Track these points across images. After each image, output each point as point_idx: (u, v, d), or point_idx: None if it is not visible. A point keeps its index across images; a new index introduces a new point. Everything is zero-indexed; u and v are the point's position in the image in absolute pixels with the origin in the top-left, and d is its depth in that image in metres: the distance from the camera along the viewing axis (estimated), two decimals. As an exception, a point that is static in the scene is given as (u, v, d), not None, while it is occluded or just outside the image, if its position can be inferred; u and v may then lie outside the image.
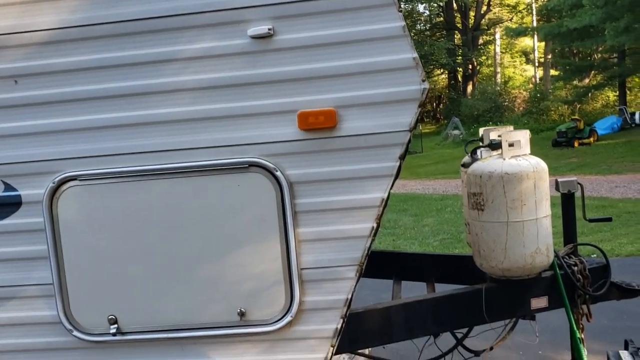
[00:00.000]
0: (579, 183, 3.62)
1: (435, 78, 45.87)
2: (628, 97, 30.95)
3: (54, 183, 2.62)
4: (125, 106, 2.53)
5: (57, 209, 2.63)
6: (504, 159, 3.29)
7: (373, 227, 2.40)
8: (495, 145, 3.45)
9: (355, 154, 2.35)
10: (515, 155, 3.31)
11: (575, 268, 3.48)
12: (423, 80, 2.24)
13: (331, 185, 2.38)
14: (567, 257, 3.57)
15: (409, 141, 2.32)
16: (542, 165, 3.33)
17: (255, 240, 2.49)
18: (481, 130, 3.90)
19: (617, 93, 31.08)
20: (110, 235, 2.63)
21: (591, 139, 23.28)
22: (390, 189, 2.38)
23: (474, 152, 3.69)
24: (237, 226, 2.50)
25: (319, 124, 2.32)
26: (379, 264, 4.38)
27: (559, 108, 31.93)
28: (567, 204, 3.64)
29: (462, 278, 4.02)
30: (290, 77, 2.37)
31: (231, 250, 2.52)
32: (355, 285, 2.48)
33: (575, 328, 3.48)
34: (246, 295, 2.57)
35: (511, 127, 3.88)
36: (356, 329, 3.07)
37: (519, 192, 3.22)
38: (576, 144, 22.66)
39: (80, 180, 2.62)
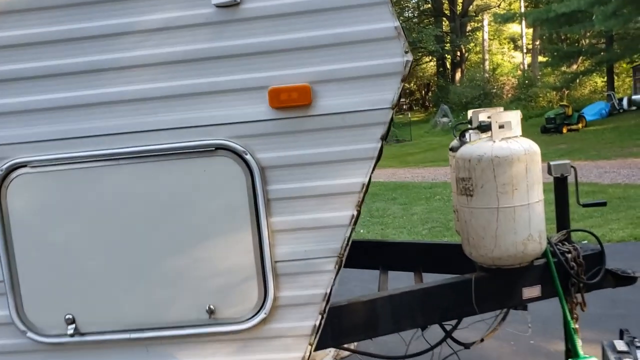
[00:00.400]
0: (572, 166, 3.43)
1: (424, 65, 45.80)
2: (616, 83, 31.07)
3: (1, 170, 2.38)
4: (78, 85, 2.28)
5: (6, 200, 2.38)
6: (494, 142, 3.09)
7: (353, 215, 2.17)
8: (484, 128, 3.25)
9: (333, 135, 2.12)
10: (505, 137, 3.11)
11: (569, 255, 3.30)
12: (406, 52, 2.01)
13: (307, 169, 2.15)
14: (560, 244, 3.39)
15: (392, 120, 2.10)
16: (534, 147, 3.14)
17: (224, 230, 2.26)
18: (470, 112, 3.70)
19: (605, 79, 31.18)
20: (65, 228, 2.39)
21: (580, 125, 23.33)
22: (372, 172, 2.15)
23: (462, 134, 3.49)
24: (204, 216, 2.27)
25: (292, 102, 2.08)
26: (365, 254, 4.20)
27: (548, 94, 32.00)
28: (559, 188, 3.45)
29: (451, 267, 3.85)
30: (259, 50, 2.13)
31: (198, 243, 2.30)
32: (335, 279, 2.25)
33: (569, 318, 3.30)
34: (215, 292, 2.35)
35: (501, 108, 3.68)
36: (340, 323, 2.87)
37: (510, 176, 3.03)
38: (565, 130, 22.66)
39: (31, 167, 2.37)
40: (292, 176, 2.17)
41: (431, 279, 4.12)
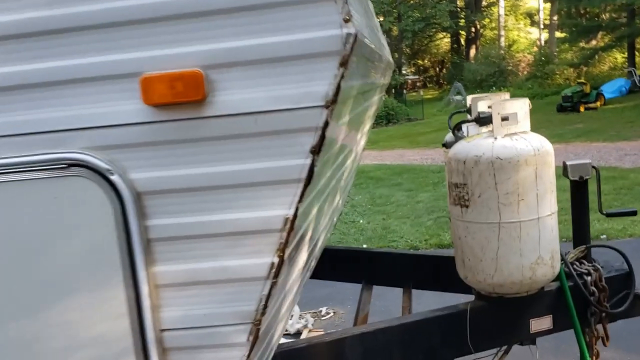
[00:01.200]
0: (593, 167, 2.78)
1: (438, 42, 44.86)
2: (637, 59, 29.89)
3: None
4: None
5: None
6: (496, 138, 2.45)
7: (273, 264, 1.43)
8: (484, 120, 2.60)
9: (240, 146, 1.39)
10: (510, 133, 2.47)
11: (589, 278, 2.68)
12: (346, 21, 1.27)
13: (203, 196, 1.43)
14: (577, 263, 2.76)
15: (326, 124, 1.33)
16: (546, 146, 2.49)
17: (84, 285, 1.52)
18: (469, 99, 3.04)
19: (626, 55, 30.11)
20: None
21: (598, 103, 22.51)
22: (300, 201, 1.40)
23: (458, 127, 2.84)
24: (54, 264, 1.52)
25: (176, 97, 1.35)
26: (345, 265, 3.59)
27: (565, 71, 31.22)
28: (578, 194, 2.81)
29: (446, 283, 3.24)
30: (124, 19, 1.38)
31: (45, 303, 1.54)
32: (250, 354, 1.55)
33: (587, 356, 2.69)
34: None
35: (507, 95, 3.02)
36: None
37: (515, 183, 2.39)
38: (582, 109, 21.81)
39: None
40: (181, 206, 1.44)
41: (423, 297, 3.54)
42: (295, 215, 1.37)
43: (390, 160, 14.75)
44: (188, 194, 1.41)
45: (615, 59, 33.37)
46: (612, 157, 12.38)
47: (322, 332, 4.91)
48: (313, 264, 2.38)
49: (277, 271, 1.40)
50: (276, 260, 1.40)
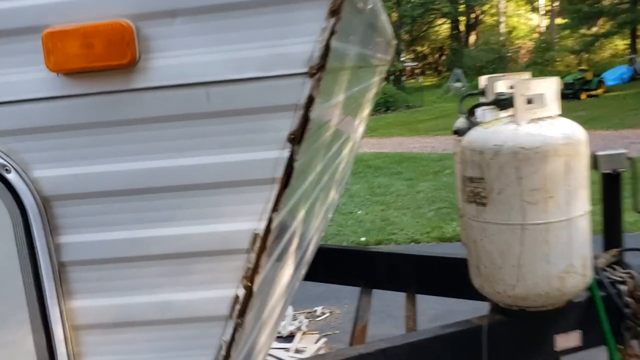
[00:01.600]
0: (629, 157, 2.40)
1: (437, 28, 44.29)
2: (639, 46, 29.49)
3: None
4: None
5: None
6: (519, 125, 2.06)
7: (237, 298, 1.00)
8: (504, 103, 2.20)
9: (186, 131, 0.96)
10: (536, 118, 2.08)
11: (624, 287, 2.30)
12: None
13: (136, 202, 1.01)
14: (610, 269, 2.38)
15: (311, 101, 0.90)
16: (578, 133, 2.11)
17: None
18: (483, 79, 2.65)
19: (627, 41, 29.78)
20: None
21: (599, 91, 22.29)
22: (275, 210, 0.97)
23: (472, 112, 2.45)
24: None
25: (94, 60, 0.93)
26: (342, 266, 3.23)
27: (565, 58, 31.02)
28: (610, 190, 2.44)
29: (453, 287, 2.89)
30: None
31: None
32: None
33: (621, 377, 2.32)
34: None
35: (527, 74, 2.63)
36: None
37: (542, 178, 2.01)
38: (583, 96, 21.55)
39: None
40: (106, 217, 1.01)
41: (427, 302, 3.18)
42: (268, 230, 0.97)
43: (389, 148, 14.33)
44: (114, 199, 1.00)
45: (617, 45, 33.04)
46: (617, 146, 12.00)
47: (317, 335, 4.54)
48: (302, 273, 2.00)
49: (242, 308, 0.99)
50: (241, 292, 0.99)
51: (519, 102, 2.08)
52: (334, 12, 0.86)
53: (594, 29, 31.23)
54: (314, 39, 0.87)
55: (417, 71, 40.83)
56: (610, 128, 14.92)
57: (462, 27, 41.47)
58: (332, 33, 0.87)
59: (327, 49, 0.87)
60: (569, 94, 21.79)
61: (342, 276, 3.27)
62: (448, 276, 2.92)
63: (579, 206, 2.08)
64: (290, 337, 4.45)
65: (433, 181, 9.87)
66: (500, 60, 32.08)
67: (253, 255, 0.95)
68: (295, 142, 0.91)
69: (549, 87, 2.11)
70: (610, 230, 2.45)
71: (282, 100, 0.91)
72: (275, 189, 0.94)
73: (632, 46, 28.47)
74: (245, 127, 0.93)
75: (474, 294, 2.40)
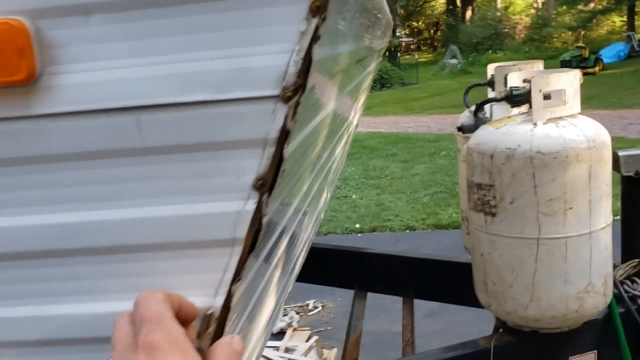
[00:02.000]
0: (653, 158, 2.16)
1: (433, 3, 43.72)
2: (636, 22, 29.17)
3: None
4: None
5: None
6: (535, 125, 1.81)
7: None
8: (518, 99, 1.94)
9: (108, 173, 0.64)
10: (554, 117, 1.83)
11: (645, 303, 2.08)
12: None
13: (32, 270, 0.68)
14: (629, 282, 2.16)
15: (286, 135, 0.60)
16: (602, 135, 1.86)
17: None
18: (491, 68, 2.39)
19: (625, 18, 29.44)
20: None
21: (596, 68, 22.09)
22: (237, 279, 0.66)
23: (480, 108, 2.19)
24: None
25: None
26: (334, 267, 2.99)
27: (562, 35, 30.67)
28: (631, 195, 2.20)
29: (455, 293, 2.67)
30: None
31: None
32: None
33: (640, 400, 2.11)
34: None
35: (540, 63, 2.38)
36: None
37: (562, 186, 1.77)
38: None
39: None
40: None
41: (425, 307, 2.96)
42: (226, 308, 0.72)
43: (384, 127, 14.05)
44: (6, 264, 0.73)
45: (614, 22, 32.67)
46: (615, 127, 11.77)
47: (309, 332, 4.34)
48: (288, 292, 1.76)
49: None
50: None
51: (536, 99, 1.82)
52: (318, 8, 0.60)
53: (591, 5, 30.87)
54: (289, 47, 0.61)
55: (412, 47, 40.32)
56: (608, 108, 14.72)
57: (458, 2, 40.90)
58: (315, 39, 0.61)
59: (307, 62, 0.61)
60: (566, 72, 21.57)
61: (334, 278, 3.04)
62: (447, 280, 2.70)
63: (602, 218, 1.84)
64: (280, 335, 4.24)
65: (429, 163, 9.64)
66: (497, 36, 31.76)
67: (206, 342, 0.70)
68: (264, 190, 0.65)
69: (570, 82, 1.85)
70: (629, 238, 2.22)
71: (246, 133, 0.64)
72: (236, 253, 0.67)
73: (630, 23, 28.16)
74: (193, 169, 0.66)
75: (475, 301, 2.18)
